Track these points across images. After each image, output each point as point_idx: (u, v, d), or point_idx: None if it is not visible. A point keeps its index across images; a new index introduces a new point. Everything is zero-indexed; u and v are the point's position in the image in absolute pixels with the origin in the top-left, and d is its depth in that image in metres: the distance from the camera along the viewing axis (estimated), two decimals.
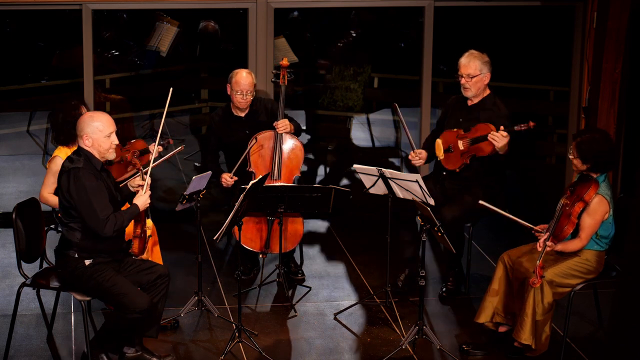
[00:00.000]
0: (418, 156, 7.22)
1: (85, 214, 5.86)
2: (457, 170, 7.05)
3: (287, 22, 10.35)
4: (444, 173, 7.17)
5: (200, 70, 10.70)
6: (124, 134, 7.59)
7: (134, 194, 6.22)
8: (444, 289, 7.34)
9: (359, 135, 10.84)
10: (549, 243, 6.13)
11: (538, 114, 10.33)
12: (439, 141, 7.12)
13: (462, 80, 7.12)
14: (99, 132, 5.93)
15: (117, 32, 10.21)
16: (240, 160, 7.18)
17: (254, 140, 7.27)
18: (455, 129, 7.11)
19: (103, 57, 10.06)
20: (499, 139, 6.80)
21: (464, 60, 7.14)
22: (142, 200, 6.08)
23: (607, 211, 6.22)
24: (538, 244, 6.18)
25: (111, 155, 6.02)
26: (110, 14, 9.96)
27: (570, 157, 6.32)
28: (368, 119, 10.83)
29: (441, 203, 7.08)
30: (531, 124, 6.83)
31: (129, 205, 6.17)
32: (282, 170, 7.31)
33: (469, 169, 7.06)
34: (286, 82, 7.42)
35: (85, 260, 5.94)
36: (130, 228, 6.51)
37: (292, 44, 9.90)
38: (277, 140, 7.33)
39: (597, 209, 6.19)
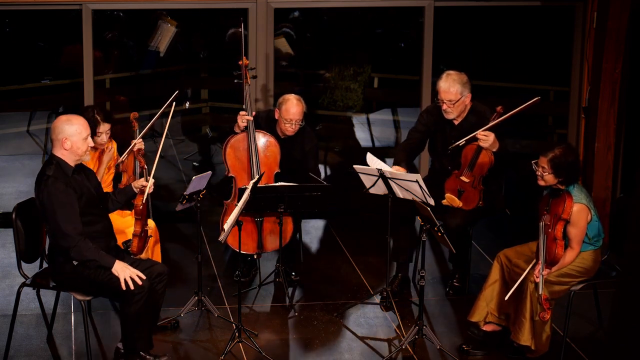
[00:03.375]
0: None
1: (50, 222, 5.89)
2: (481, 203, 7.04)
3: (287, 22, 10.35)
4: (449, 168, 7.17)
5: (200, 70, 10.69)
6: (124, 134, 7.58)
7: (135, 196, 6.22)
8: (448, 288, 7.36)
9: (359, 135, 10.84)
10: (544, 272, 6.12)
11: (538, 114, 10.33)
12: (449, 196, 7.07)
13: (444, 106, 7.06)
14: (77, 134, 5.95)
15: (120, 31, 10.21)
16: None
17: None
18: (452, 174, 7.11)
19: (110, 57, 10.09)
20: (486, 136, 6.84)
21: (443, 85, 7.04)
22: (122, 268, 5.91)
23: (589, 213, 6.21)
24: (534, 275, 6.16)
25: (87, 157, 6.06)
26: (112, 13, 9.97)
27: (538, 174, 6.28)
28: (368, 119, 10.83)
29: (444, 210, 7.09)
30: (499, 108, 6.90)
31: (128, 210, 6.15)
32: (261, 169, 7.27)
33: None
34: (249, 80, 7.33)
35: (74, 261, 5.94)
36: (128, 225, 6.52)
37: (292, 43, 9.90)
38: (251, 140, 7.27)
39: (579, 218, 6.18)
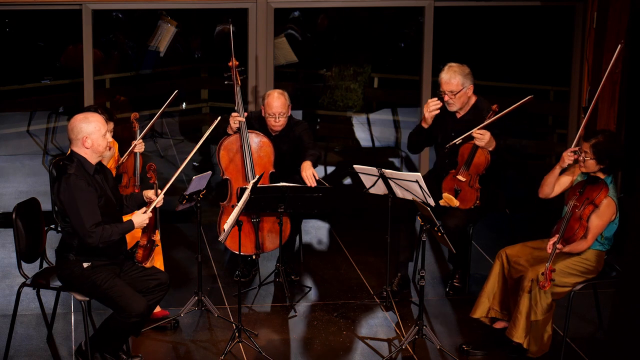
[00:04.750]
0: (435, 103, 7.03)
1: (73, 221, 5.86)
2: (478, 203, 7.04)
3: (287, 22, 10.36)
4: (446, 161, 7.17)
5: (200, 70, 10.70)
6: (124, 135, 7.59)
7: (144, 203, 6.21)
8: (448, 288, 7.35)
9: (359, 135, 10.85)
10: (558, 246, 6.13)
11: (538, 114, 10.34)
12: (446, 195, 7.06)
13: (446, 97, 7.08)
14: (97, 131, 5.93)
15: (126, 32, 10.24)
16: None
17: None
18: (449, 174, 7.11)
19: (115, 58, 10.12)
20: (481, 135, 6.86)
21: (444, 76, 7.08)
22: (140, 219, 6.01)
23: (614, 213, 6.23)
24: (547, 246, 6.18)
25: (108, 153, 6.04)
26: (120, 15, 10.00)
27: (580, 159, 6.29)
28: (368, 119, 10.84)
29: (443, 210, 7.09)
30: (494, 107, 6.92)
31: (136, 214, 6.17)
32: (255, 170, 7.26)
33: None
34: (239, 81, 7.32)
35: (84, 263, 5.93)
36: (137, 234, 6.51)
37: (292, 43, 9.90)
38: (244, 141, 7.25)
39: (605, 212, 6.19)
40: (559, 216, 6.35)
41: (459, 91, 7.04)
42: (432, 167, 7.56)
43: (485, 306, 6.49)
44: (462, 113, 7.16)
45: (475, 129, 6.89)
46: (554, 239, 6.16)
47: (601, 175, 6.27)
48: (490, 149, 6.94)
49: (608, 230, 6.26)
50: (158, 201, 6.15)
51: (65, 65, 10.19)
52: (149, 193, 6.23)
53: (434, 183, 7.11)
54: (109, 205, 5.99)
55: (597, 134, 6.28)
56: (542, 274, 6.04)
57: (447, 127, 7.17)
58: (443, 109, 7.15)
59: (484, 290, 6.50)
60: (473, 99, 7.15)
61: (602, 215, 6.20)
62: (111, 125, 6.76)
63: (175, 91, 7.00)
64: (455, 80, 7.04)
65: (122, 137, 7.40)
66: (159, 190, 6.19)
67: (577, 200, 6.23)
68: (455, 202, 7.04)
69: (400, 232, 7.22)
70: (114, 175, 6.94)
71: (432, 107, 7.07)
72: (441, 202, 7.07)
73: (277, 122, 7.27)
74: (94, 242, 5.83)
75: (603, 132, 6.34)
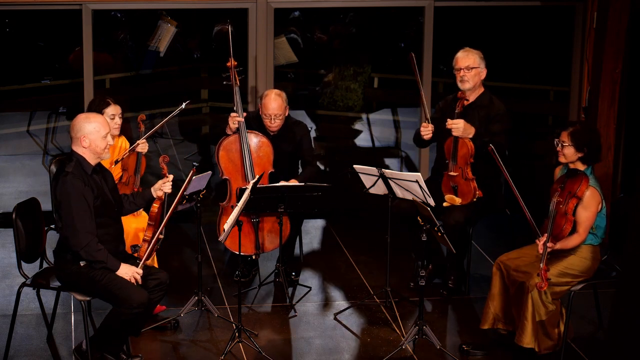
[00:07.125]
0: (427, 129, 7.13)
1: (64, 219, 5.87)
2: (479, 193, 7.05)
3: (287, 22, 10.35)
4: (447, 161, 7.17)
5: (200, 70, 10.69)
6: (125, 135, 7.58)
7: (152, 200, 6.21)
8: (443, 289, 7.35)
9: (359, 135, 10.84)
10: (549, 244, 6.13)
11: (538, 114, 10.33)
12: (448, 197, 7.10)
13: (461, 73, 7.16)
14: (96, 132, 5.94)
15: (129, 32, 10.23)
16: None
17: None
18: (444, 176, 7.14)
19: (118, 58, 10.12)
20: (455, 124, 6.95)
21: (461, 54, 7.21)
22: (125, 270, 5.96)
23: (600, 202, 6.24)
24: (538, 247, 6.17)
25: (106, 155, 6.04)
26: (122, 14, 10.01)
27: (559, 149, 6.31)
28: (368, 119, 10.83)
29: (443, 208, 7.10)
30: (460, 93, 7.07)
31: (144, 212, 6.19)
32: (255, 170, 7.25)
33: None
34: (238, 82, 7.31)
35: (81, 262, 5.94)
36: (139, 230, 6.52)
37: (297, 48, 9.91)
38: (243, 142, 7.25)
39: (591, 202, 6.20)
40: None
41: (475, 68, 7.14)
42: (431, 173, 7.57)
43: (490, 317, 6.47)
44: (470, 99, 7.17)
45: (448, 120, 6.98)
46: (543, 238, 6.16)
47: (580, 167, 6.29)
48: (470, 136, 6.99)
49: (598, 220, 6.26)
50: (168, 188, 6.22)
51: (73, 65, 10.18)
52: (159, 192, 6.24)
53: (434, 187, 7.11)
54: (106, 206, 5.99)
55: (575, 124, 6.37)
56: (538, 274, 6.05)
57: (453, 116, 7.16)
58: (450, 101, 7.22)
59: (487, 300, 6.49)
60: (482, 89, 7.20)
61: (588, 206, 6.20)
62: (118, 108, 6.78)
63: (187, 101, 6.97)
64: (472, 57, 7.17)
65: (126, 137, 7.39)
66: (168, 177, 6.21)
67: (559, 195, 6.25)
68: (458, 200, 7.06)
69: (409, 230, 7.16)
70: (120, 173, 6.96)
71: (423, 133, 7.18)
72: (445, 205, 7.10)
73: (273, 124, 7.27)
74: (76, 245, 5.84)
75: (579, 122, 6.41)
